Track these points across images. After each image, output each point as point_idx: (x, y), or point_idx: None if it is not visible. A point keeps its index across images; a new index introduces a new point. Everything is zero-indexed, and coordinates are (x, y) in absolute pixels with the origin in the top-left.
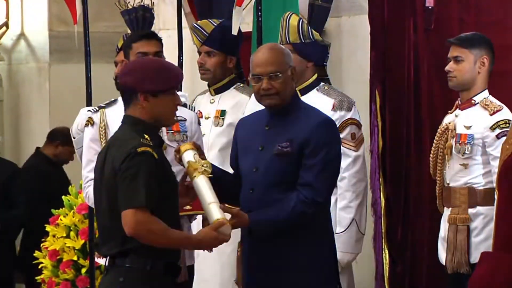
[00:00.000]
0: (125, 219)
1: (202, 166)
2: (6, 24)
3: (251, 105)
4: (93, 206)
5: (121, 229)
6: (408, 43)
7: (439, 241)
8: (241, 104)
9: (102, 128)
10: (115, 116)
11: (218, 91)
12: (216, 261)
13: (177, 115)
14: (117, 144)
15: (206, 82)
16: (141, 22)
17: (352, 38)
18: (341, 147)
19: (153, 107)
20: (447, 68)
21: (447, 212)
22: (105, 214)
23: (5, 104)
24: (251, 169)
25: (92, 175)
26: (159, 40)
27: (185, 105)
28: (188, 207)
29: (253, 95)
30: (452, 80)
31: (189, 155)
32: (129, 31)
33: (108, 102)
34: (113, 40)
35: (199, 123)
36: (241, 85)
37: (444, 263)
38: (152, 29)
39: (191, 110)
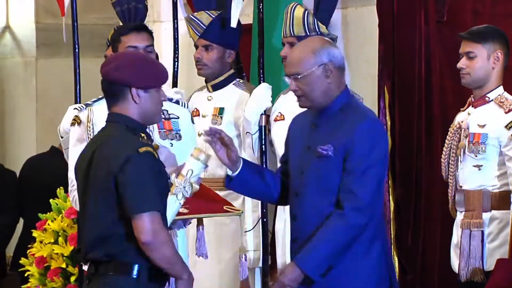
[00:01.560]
0: (140, 225)
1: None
2: None
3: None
4: None
5: (111, 234)
6: (419, 36)
7: (451, 248)
8: (241, 101)
9: (89, 128)
10: (104, 114)
11: (216, 87)
12: (215, 269)
13: (169, 113)
14: (110, 144)
15: (203, 78)
16: (133, 13)
17: (359, 30)
18: None
19: (144, 104)
20: (459, 65)
21: (460, 216)
22: (93, 218)
23: None
24: (297, 172)
25: None
26: (149, 33)
27: (177, 102)
28: (184, 210)
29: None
30: (465, 78)
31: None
32: (120, 23)
33: (95, 99)
34: (103, 33)
35: (192, 121)
36: (241, 81)
37: (457, 271)
38: (146, 21)
39: (184, 107)
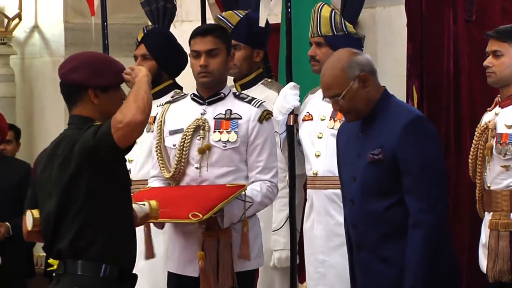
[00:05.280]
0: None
1: None
2: (19, 16)
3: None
4: None
5: (79, 233)
6: (448, 35)
7: (479, 248)
8: (269, 100)
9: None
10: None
11: (244, 86)
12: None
13: (233, 112)
14: (75, 142)
15: (232, 77)
16: (162, 13)
17: (387, 30)
18: None
19: (103, 104)
20: (485, 63)
21: (488, 217)
22: (59, 218)
23: (17, 101)
24: (350, 180)
25: None
26: (217, 36)
27: (249, 101)
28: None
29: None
30: (491, 76)
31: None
32: (149, 23)
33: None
34: (132, 32)
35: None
36: (269, 80)
37: (485, 271)
38: (175, 20)
39: (256, 106)
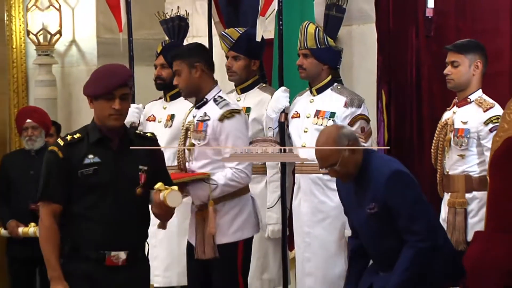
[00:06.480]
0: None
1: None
2: (59, 32)
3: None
4: None
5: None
6: (411, 48)
7: (440, 222)
8: (264, 101)
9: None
10: (150, 110)
11: (243, 90)
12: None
13: (207, 114)
14: None
15: (233, 83)
16: (177, 30)
17: (361, 44)
18: None
19: (95, 109)
20: (445, 71)
21: (446, 196)
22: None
23: (59, 102)
24: (358, 225)
25: None
26: (177, 59)
27: (216, 101)
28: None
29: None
30: (450, 82)
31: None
32: (166, 38)
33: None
34: (152, 46)
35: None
36: (264, 85)
37: None
38: (187, 36)
39: (220, 108)
